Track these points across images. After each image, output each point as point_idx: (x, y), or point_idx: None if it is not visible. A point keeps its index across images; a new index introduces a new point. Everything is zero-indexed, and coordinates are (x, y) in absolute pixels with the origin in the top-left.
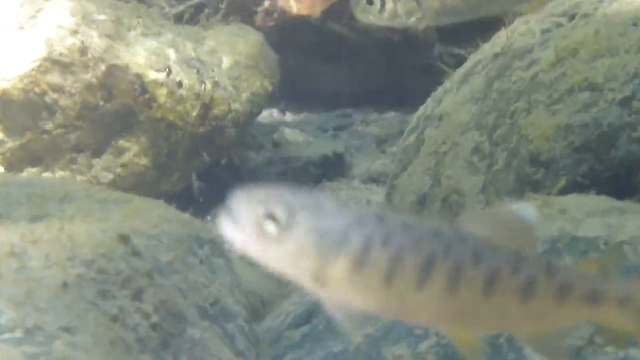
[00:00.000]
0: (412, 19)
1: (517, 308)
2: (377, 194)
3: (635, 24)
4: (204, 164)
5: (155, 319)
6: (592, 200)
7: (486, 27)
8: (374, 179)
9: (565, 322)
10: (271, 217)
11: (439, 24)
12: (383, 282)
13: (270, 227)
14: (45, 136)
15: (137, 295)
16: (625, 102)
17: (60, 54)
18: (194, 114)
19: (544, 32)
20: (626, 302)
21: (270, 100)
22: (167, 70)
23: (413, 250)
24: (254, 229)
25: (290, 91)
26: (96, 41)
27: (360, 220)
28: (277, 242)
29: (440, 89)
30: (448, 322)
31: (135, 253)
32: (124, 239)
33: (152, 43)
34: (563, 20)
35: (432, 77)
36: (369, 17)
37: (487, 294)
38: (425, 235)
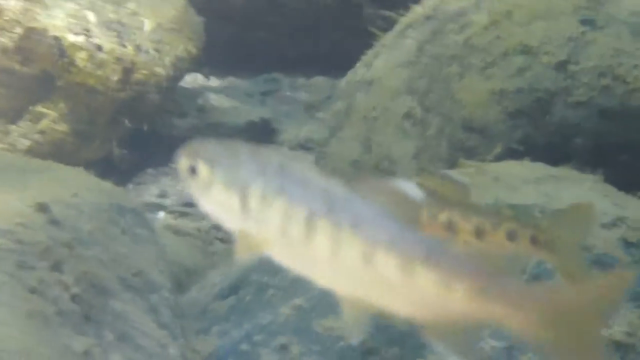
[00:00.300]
0: None
1: (393, 286)
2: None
3: None
4: (125, 130)
5: (75, 290)
6: (527, 168)
7: None
8: (302, 146)
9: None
10: (193, 170)
11: None
12: (275, 231)
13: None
14: None
15: (57, 267)
16: (561, 66)
17: None
18: (115, 78)
19: None
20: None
21: (195, 64)
22: (86, 33)
23: (300, 203)
24: (185, 181)
25: (215, 55)
26: (12, 3)
27: (264, 170)
28: (201, 191)
29: (370, 53)
30: (330, 285)
31: (55, 223)
32: (42, 208)
33: (70, 5)
34: None
35: (362, 41)
36: None
37: (365, 262)
38: (315, 190)
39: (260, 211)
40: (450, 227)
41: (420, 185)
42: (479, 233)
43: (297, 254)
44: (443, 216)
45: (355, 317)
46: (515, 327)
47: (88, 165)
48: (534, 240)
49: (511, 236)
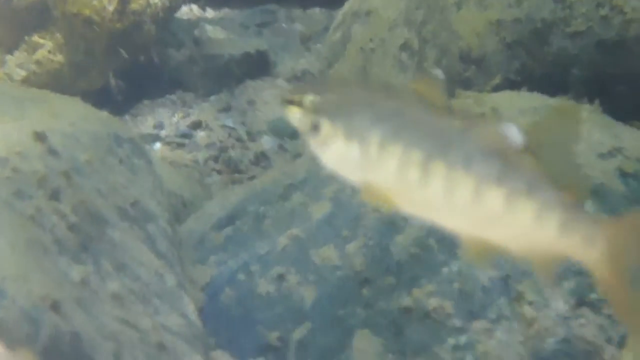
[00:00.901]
0: None
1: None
2: None
3: None
4: (122, 61)
5: (73, 219)
6: (525, 98)
7: None
8: (298, 78)
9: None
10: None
11: None
12: (395, 178)
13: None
14: None
15: (54, 196)
16: None
17: None
18: (111, 8)
19: None
20: (591, 242)
21: None
22: None
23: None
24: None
25: None
26: None
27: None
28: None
29: None
30: (448, 225)
31: (52, 152)
32: (40, 137)
33: None
34: None
35: None
36: None
37: (473, 200)
38: (430, 133)
39: (380, 160)
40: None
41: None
42: None
43: (417, 199)
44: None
45: (476, 254)
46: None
47: (85, 96)
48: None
49: None
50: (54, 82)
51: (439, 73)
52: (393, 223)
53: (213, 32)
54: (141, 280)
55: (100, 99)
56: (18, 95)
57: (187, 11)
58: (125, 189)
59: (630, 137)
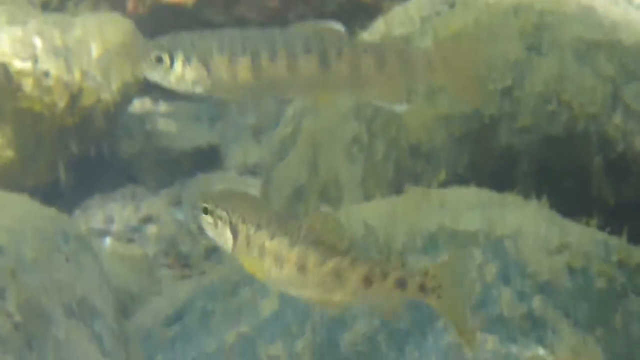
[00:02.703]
0: (200, 88)
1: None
2: (254, 186)
3: (516, 12)
4: (72, 155)
5: (18, 318)
6: (473, 193)
7: (364, 14)
8: (250, 171)
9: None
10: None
11: (230, 98)
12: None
13: None
14: None
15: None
16: (507, 91)
17: None
18: (62, 104)
19: (424, 19)
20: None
21: (143, 88)
22: (33, 59)
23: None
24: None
25: None
26: None
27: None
28: None
29: None
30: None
31: None
32: None
33: (17, 31)
34: (443, 7)
35: None
36: (155, 75)
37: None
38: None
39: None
40: (338, 274)
41: (310, 228)
42: (367, 281)
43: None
44: (331, 263)
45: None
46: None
47: (34, 190)
48: (422, 288)
49: (400, 284)
50: (4, 176)
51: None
52: (341, 319)
53: (165, 124)
54: None
55: (50, 192)
56: None
57: (140, 105)
58: (72, 287)
59: (578, 233)
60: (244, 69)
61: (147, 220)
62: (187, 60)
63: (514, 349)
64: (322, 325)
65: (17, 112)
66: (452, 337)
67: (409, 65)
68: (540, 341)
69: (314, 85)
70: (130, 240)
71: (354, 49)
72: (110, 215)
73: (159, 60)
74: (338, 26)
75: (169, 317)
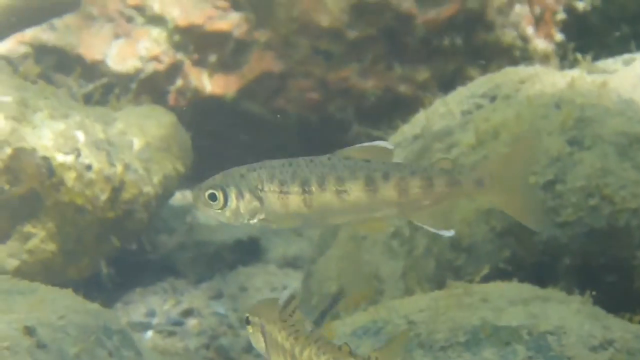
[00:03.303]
0: (255, 220)
1: None
2: (295, 279)
3: (557, 106)
4: (113, 249)
5: None
6: (515, 288)
7: (405, 107)
8: (290, 264)
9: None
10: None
11: (285, 226)
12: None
13: None
14: None
15: None
16: (549, 185)
17: None
18: (104, 198)
19: (465, 113)
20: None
21: (183, 181)
22: (75, 152)
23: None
24: None
25: (205, 172)
26: (1, 124)
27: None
28: None
29: None
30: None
31: (41, 346)
32: (29, 331)
33: (59, 125)
34: (484, 101)
35: None
36: (210, 212)
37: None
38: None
39: None
40: None
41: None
42: None
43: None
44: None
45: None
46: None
47: (76, 284)
48: None
49: None
50: (46, 270)
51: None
52: None
53: (205, 218)
54: None
55: (92, 286)
56: (8, 288)
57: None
58: None
59: (621, 329)
60: (295, 198)
61: (188, 313)
62: (240, 194)
63: None
64: None
65: (59, 206)
66: None
67: (457, 188)
68: None
69: (363, 212)
70: (172, 334)
71: (400, 172)
72: (151, 309)
73: (213, 198)
74: (385, 144)
75: None
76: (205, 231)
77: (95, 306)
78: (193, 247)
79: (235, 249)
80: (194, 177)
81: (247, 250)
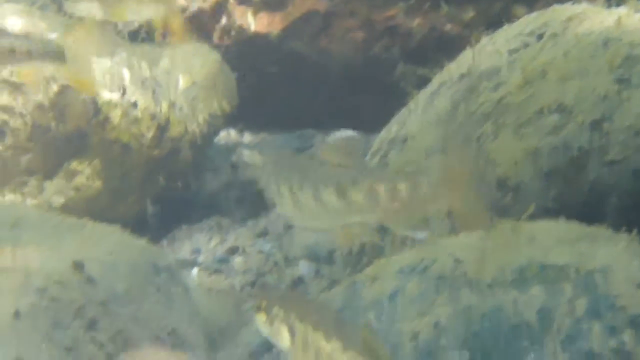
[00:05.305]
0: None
1: None
2: None
3: (605, 44)
4: (159, 187)
5: (110, 349)
6: (562, 227)
7: (451, 47)
8: None
9: None
10: None
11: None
12: None
13: None
14: None
15: (92, 325)
16: (596, 124)
17: (11, 73)
18: (149, 135)
19: (512, 52)
20: None
21: (228, 120)
22: (121, 90)
23: None
24: None
25: (249, 111)
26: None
27: None
28: None
29: (404, 111)
30: None
31: (90, 281)
32: (78, 266)
33: (106, 63)
34: (531, 40)
35: (395, 98)
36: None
37: None
38: None
39: None
40: None
41: None
42: None
43: None
44: None
45: None
46: None
47: (123, 221)
48: None
49: None
50: (92, 208)
51: None
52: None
53: (250, 157)
54: None
55: (138, 224)
56: (56, 223)
57: (225, 136)
58: (163, 318)
59: None
60: None
61: (234, 251)
62: None
63: None
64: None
65: (105, 144)
66: None
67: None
68: None
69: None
70: (217, 271)
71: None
72: (197, 247)
73: None
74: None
75: (258, 348)
76: (250, 170)
77: (143, 243)
78: (238, 185)
79: None
80: (238, 115)
81: None
